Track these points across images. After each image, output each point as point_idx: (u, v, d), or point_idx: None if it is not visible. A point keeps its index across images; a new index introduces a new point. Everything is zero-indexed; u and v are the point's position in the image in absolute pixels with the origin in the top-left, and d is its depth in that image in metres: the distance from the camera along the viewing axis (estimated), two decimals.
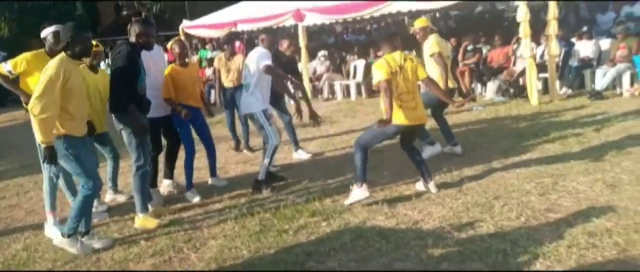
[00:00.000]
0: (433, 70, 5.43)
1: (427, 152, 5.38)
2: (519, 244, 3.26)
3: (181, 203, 4.87)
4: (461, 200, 4.16)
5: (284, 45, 5.48)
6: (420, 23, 5.70)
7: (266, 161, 4.87)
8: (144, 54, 4.22)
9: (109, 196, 5.15)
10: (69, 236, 3.78)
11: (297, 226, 3.98)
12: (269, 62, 4.71)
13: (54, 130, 3.55)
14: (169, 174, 5.24)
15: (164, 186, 5.21)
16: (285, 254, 3.48)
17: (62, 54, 3.61)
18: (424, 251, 3.32)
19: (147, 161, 4.36)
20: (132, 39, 4.22)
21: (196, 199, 4.90)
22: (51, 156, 3.53)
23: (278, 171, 5.48)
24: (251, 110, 4.88)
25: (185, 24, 13.43)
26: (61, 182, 4.42)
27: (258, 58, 4.77)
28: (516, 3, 7.99)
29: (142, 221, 4.32)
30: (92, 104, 4.54)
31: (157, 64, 4.82)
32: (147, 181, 4.43)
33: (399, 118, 4.17)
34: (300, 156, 6.25)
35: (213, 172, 5.41)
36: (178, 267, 3.51)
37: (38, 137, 3.54)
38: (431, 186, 4.41)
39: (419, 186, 4.53)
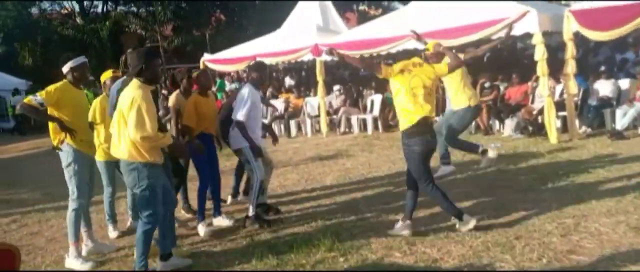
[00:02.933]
0: (452, 87, 5.90)
1: (442, 171, 5.90)
2: None
3: (187, 236, 4.84)
4: (481, 238, 4.10)
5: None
6: (432, 47, 5.34)
7: (253, 196, 4.85)
8: None
9: (128, 224, 5.20)
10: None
11: (314, 260, 3.96)
12: (242, 116, 4.76)
13: (138, 157, 3.55)
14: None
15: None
16: None
17: (135, 80, 3.63)
18: None
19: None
20: None
21: (206, 234, 4.79)
22: (180, 148, 3.78)
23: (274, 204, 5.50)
24: (239, 145, 4.91)
25: (206, 57, 13.74)
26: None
27: (239, 102, 4.85)
28: (534, 41, 8.02)
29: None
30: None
31: None
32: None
33: (413, 116, 4.18)
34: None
35: (217, 210, 5.12)
36: None
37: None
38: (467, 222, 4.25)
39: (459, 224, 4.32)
